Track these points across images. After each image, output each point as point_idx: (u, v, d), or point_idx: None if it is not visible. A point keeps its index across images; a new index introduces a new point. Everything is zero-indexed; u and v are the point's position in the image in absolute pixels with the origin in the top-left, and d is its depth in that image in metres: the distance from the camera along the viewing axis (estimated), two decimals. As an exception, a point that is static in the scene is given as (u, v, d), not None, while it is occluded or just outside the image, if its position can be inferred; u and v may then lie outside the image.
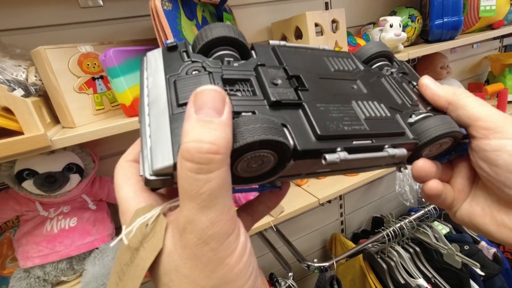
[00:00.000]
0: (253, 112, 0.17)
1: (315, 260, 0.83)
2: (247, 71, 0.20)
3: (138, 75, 0.54)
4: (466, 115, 0.22)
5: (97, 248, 0.61)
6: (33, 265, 0.55)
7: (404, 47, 0.91)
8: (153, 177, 0.15)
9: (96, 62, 0.55)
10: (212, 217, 0.14)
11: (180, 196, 0.14)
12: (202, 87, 0.15)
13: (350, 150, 0.18)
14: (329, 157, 0.17)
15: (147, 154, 0.16)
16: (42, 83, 0.51)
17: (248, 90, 0.19)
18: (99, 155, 0.69)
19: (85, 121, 0.54)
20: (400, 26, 0.80)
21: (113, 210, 0.70)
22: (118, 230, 0.68)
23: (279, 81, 0.20)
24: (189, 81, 0.18)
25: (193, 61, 0.20)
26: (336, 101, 0.20)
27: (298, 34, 0.73)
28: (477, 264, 0.88)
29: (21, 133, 0.43)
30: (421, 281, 0.94)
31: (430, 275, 0.97)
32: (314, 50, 0.25)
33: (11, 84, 0.48)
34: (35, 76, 0.51)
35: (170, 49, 0.21)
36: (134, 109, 0.52)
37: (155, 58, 0.20)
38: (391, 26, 0.79)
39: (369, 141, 0.19)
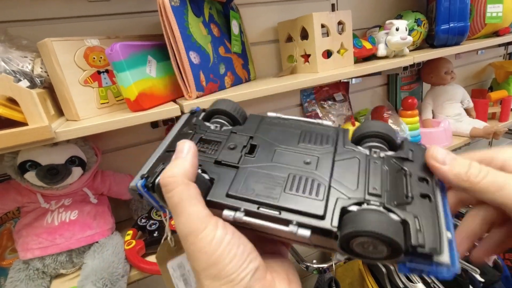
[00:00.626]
0: (200, 166, 0.22)
1: (314, 261, 0.83)
2: (223, 136, 0.25)
3: (143, 70, 0.54)
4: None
5: (97, 242, 0.60)
6: (33, 256, 0.55)
7: (410, 51, 0.90)
8: (130, 190, 0.23)
9: (102, 55, 0.55)
10: (181, 220, 0.19)
11: None
12: (180, 141, 0.22)
13: (252, 214, 0.20)
14: (225, 212, 0.20)
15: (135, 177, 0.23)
16: (48, 75, 0.51)
17: (213, 149, 0.24)
18: (102, 149, 0.69)
19: (89, 115, 0.54)
20: (406, 30, 0.80)
21: (113, 204, 0.70)
22: (118, 224, 0.68)
23: (236, 146, 0.24)
24: (179, 138, 0.24)
25: (194, 124, 0.27)
26: (272, 170, 0.22)
27: (304, 35, 0.73)
28: (477, 270, 0.88)
29: (25, 124, 0.43)
30: (420, 286, 0.93)
31: (429, 280, 0.96)
32: (302, 123, 0.27)
33: (17, 75, 0.48)
34: (41, 68, 0.51)
35: (192, 113, 0.28)
36: (138, 103, 0.52)
37: (181, 120, 0.28)
38: (397, 29, 0.79)
39: (277, 212, 0.20)
